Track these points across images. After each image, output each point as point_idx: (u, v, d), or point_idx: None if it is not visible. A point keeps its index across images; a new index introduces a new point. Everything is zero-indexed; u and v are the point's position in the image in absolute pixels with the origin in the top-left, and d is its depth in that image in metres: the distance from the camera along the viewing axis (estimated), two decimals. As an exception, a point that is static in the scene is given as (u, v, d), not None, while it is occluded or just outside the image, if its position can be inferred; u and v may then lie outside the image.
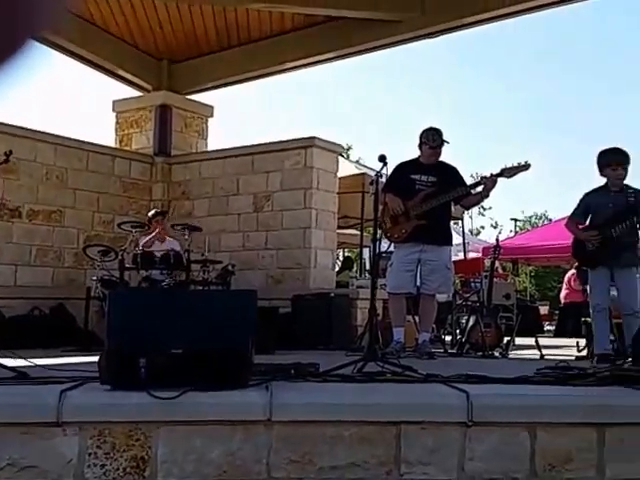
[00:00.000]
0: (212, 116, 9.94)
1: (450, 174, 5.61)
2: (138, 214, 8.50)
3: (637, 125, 48.12)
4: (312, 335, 6.61)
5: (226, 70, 9.24)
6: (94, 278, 6.73)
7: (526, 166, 5.35)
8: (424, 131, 5.63)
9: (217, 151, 9.16)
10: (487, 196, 5.60)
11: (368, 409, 2.78)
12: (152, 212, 7.44)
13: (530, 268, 21.74)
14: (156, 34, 8.83)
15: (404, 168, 5.67)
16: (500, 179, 5.40)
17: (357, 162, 13.77)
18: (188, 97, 9.64)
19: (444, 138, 5.60)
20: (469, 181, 6.00)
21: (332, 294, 7.38)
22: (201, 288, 6.65)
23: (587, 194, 5.19)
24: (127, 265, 6.60)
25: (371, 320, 4.20)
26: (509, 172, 5.36)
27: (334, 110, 51.25)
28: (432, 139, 5.57)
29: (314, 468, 2.68)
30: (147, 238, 7.06)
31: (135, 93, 9.65)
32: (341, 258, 13.79)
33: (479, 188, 5.55)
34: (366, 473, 2.69)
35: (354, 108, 52.91)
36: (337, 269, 9.92)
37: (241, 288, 6.60)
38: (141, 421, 2.67)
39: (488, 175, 5.47)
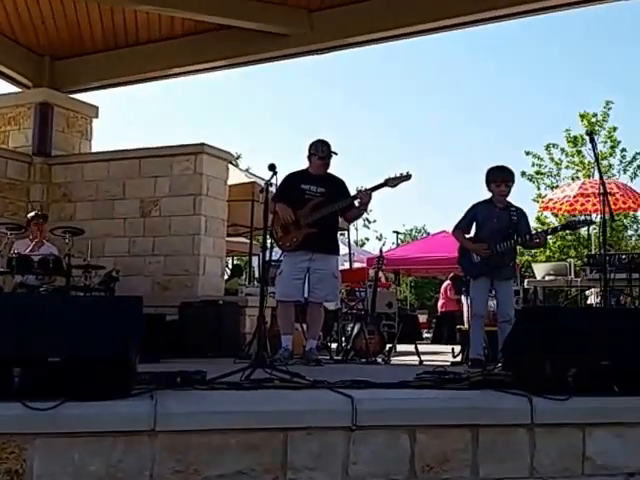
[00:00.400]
0: (97, 117, 9.63)
1: (337, 186, 5.75)
2: (15, 216, 8.12)
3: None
4: (200, 343, 6.54)
5: (112, 71, 9.03)
6: (-35, 282, 6.35)
7: (408, 176, 5.57)
8: (313, 143, 5.75)
9: (102, 153, 8.88)
10: (365, 210, 5.80)
11: (255, 416, 2.79)
12: (32, 214, 7.12)
13: (410, 278, 22.60)
14: (38, 29, 8.48)
15: (294, 178, 5.76)
16: (387, 189, 5.60)
17: (247, 171, 13.77)
18: (71, 96, 9.29)
19: (332, 150, 5.73)
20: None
21: (220, 301, 7.32)
22: (83, 294, 6.42)
23: (474, 205, 5.48)
24: (1, 269, 6.27)
25: (259, 327, 4.22)
26: (392, 182, 5.56)
27: (224, 118, 50.91)
28: (321, 150, 5.69)
29: (199, 477, 2.65)
30: (24, 242, 6.74)
31: (14, 89, 9.21)
32: (230, 266, 13.72)
33: (357, 201, 5.72)
34: (252, 481, 2.70)
35: (244, 117, 52.84)
36: (226, 277, 9.87)
37: (126, 294, 6.42)
38: (15, 433, 2.55)
39: (369, 187, 5.65)
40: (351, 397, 2.89)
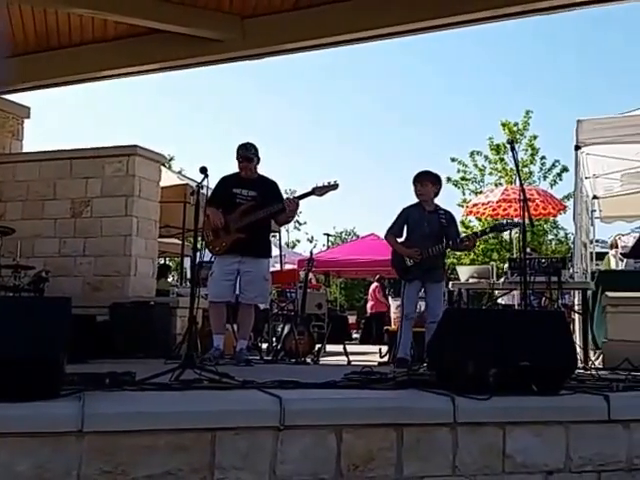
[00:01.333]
0: (29, 117, 9.48)
1: (269, 189, 5.82)
2: None
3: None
4: (131, 344, 6.50)
5: (44, 72, 8.93)
6: None
7: (335, 185, 5.71)
8: (238, 146, 5.82)
9: (33, 153, 8.72)
10: (292, 216, 5.91)
11: (184, 417, 2.83)
12: None
13: (340, 280, 22.88)
14: (-32, 28, 8.26)
15: (226, 182, 5.83)
16: (313, 196, 5.72)
17: (179, 173, 13.70)
18: (2, 97, 9.11)
19: (255, 154, 5.80)
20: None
21: (152, 302, 7.30)
22: (12, 295, 6.30)
23: (405, 209, 5.66)
24: None
25: (190, 328, 4.25)
26: (320, 191, 5.69)
27: (157, 120, 50.17)
28: (241, 154, 5.77)
29: (127, 478, 2.68)
30: None
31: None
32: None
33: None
34: (180, 481, 2.74)
35: (177, 120, 52.22)
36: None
37: (56, 295, 6.34)
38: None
39: (297, 194, 5.81)
40: (279, 397, 2.95)
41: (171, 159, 22.69)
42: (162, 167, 8.76)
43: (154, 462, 2.72)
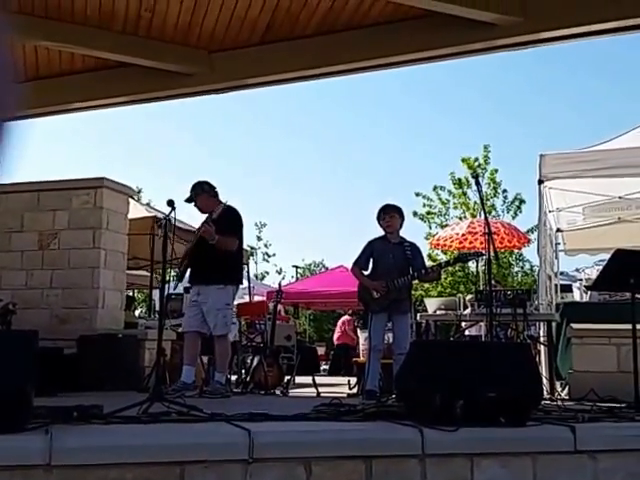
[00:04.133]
0: (-6, 148, 9.38)
1: (221, 224, 5.80)
2: None
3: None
4: (99, 376, 6.44)
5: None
6: None
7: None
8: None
9: (1, 185, 8.62)
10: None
11: (152, 450, 2.82)
12: None
13: (309, 312, 22.89)
14: None
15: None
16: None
17: (148, 205, 13.69)
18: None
19: (196, 192, 5.92)
20: None
21: (120, 335, 7.25)
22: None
23: (370, 242, 5.73)
24: None
25: (158, 360, 4.24)
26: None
27: (128, 152, 50.02)
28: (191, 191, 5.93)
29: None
30: None
31: None
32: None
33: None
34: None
35: (149, 152, 52.11)
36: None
37: (23, 328, 6.25)
38: None
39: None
40: (248, 430, 2.96)
41: (139, 191, 22.64)
42: (130, 199, 8.76)
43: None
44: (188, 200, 5.81)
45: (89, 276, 7.81)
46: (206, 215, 5.88)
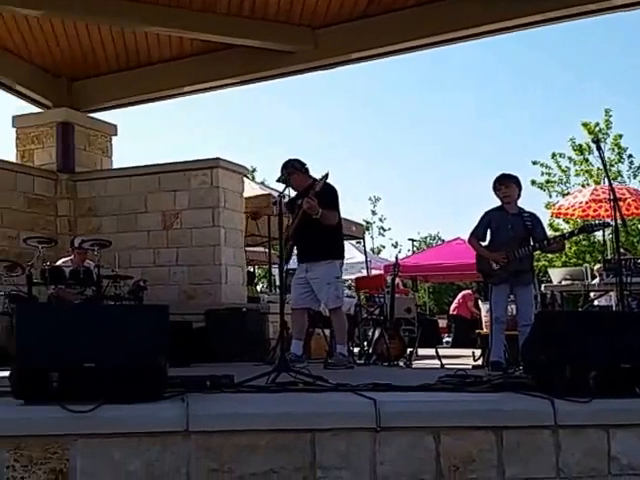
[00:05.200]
0: (116, 134, 9.93)
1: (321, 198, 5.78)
2: (44, 230, 8.42)
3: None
4: (226, 348, 6.71)
5: (127, 90, 9.31)
6: (1, 293, 6.61)
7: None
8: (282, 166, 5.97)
9: (123, 169, 9.14)
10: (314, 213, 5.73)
11: (282, 418, 2.89)
12: (79, 240, 7.29)
13: (428, 284, 22.63)
14: (53, 51, 8.73)
15: (295, 197, 6.02)
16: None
17: (262, 183, 13.95)
18: (91, 115, 9.58)
19: (289, 171, 5.84)
20: None
21: (244, 309, 7.54)
22: (113, 303, 6.60)
23: (487, 213, 5.56)
24: (35, 280, 6.48)
25: (282, 333, 4.34)
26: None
27: (240, 132, 51.10)
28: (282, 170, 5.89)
29: (233, 476, 2.76)
30: (65, 263, 7.00)
31: (35, 109, 9.47)
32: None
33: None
34: (284, 479, 2.79)
35: (261, 131, 52.98)
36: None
37: (154, 303, 6.62)
38: (56, 434, 2.67)
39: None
40: (374, 399, 2.97)
41: (254, 170, 23.13)
42: (245, 178, 9.04)
43: (257, 461, 2.79)
44: (281, 180, 5.83)
45: (211, 253, 8.16)
46: (294, 193, 5.94)
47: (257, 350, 6.80)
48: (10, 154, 9.29)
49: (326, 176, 5.47)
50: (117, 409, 2.76)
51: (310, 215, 5.59)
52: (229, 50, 8.55)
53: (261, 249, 11.81)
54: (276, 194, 6.54)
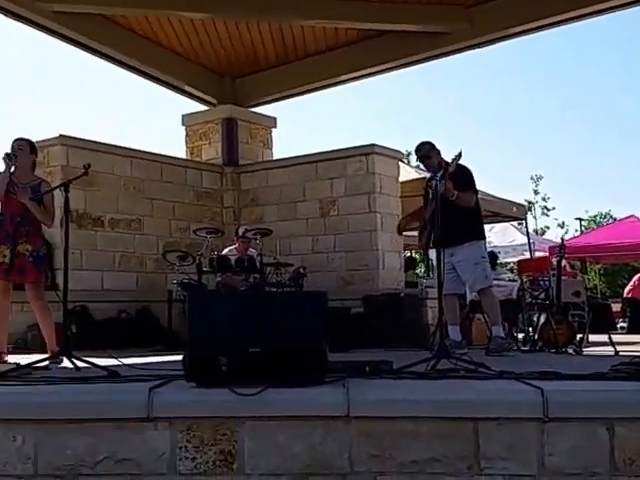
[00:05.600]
0: (275, 127, 10.32)
1: (455, 180, 5.53)
2: (212, 221, 8.95)
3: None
4: (384, 334, 6.73)
5: (285, 84, 9.65)
6: (174, 282, 7.10)
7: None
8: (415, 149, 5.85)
9: (282, 160, 9.46)
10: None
11: (444, 405, 2.83)
12: (242, 229, 7.67)
13: (599, 266, 21.25)
14: (218, 52, 9.22)
15: (427, 181, 5.90)
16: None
17: (417, 167, 13.80)
18: (252, 110, 10.02)
19: (423, 152, 5.70)
20: None
21: (402, 294, 7.53)
22: (275, 290, 6.85)
23: None
24: (204, 269, 6.90)
25: (440, 319, 4.25)
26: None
27: (393, 117, 50.83)
28: (416, 154, 5.78)
29: (394, 462, 2.76)
30: (230, 251, 7.40)
31: (202, 107, 10.06)
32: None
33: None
34: (446, 468, 2.75)
35: (413, 116, 52.32)
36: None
37: (313, 289, 6.80)
38: (226, 416, 2.80)
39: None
40: (541, 388, 2.83)
41: (409, 154, 22.92)
42: (400, 162, 9.00)
43: (418, 448, 2.76)
44: (420, 159, 5.69)
45: (368, 239, 8.24)
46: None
47: (415, 336, 6.75)
48: (180, 151, 9.97)
49: (459, 156, 5.23)
50: (281, 392, 2.84)
51: (446, 198, 5.40)
52: (384, 36, 8.61)
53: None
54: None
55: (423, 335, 6.87)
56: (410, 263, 12.17)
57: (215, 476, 2.78)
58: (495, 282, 6.57)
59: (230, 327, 3.04)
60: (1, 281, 4.78)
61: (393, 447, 2.76)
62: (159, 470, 2.78)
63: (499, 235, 14.21)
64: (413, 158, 27.60)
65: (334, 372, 3.20)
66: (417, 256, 15.54)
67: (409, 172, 9.95)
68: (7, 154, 4.75)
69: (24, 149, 4.89)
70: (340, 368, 3.33)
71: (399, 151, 9.05)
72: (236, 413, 2.80)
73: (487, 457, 2.76)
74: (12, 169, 4.80)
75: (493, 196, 11.15)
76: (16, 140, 4.90)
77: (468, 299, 6.86)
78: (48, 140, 7.47)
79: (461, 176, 5.51)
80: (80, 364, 3.91)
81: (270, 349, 2.97)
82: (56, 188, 4.70)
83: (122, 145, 8.41)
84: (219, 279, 7.12)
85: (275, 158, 9.98)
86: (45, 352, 4.67)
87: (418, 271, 11.81)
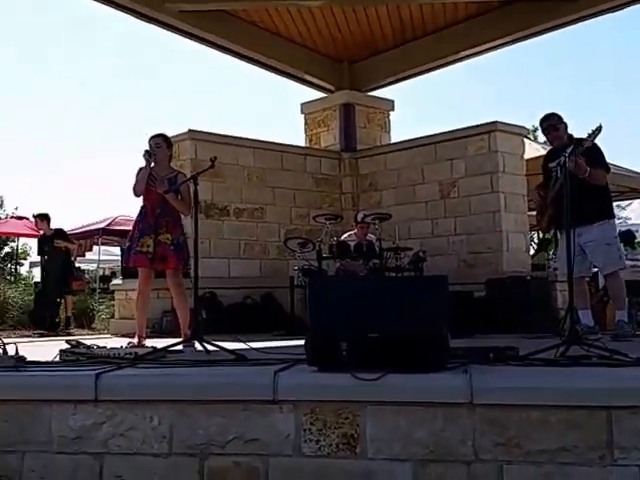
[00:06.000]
0: (393, 110, 10.26)
1: (587, 156, 5.16)
2: (331, 207, 9.07)
3: None
4: (509, 318, 6.52)
5: (403, 65, 9.52)
6: (295, 268, 7.26)
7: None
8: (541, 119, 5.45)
9: (400, 143, 9.37)
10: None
11: (574, 393, 2.71)
12: (361, 215, 7.72)
13: None
14: (335, 38, 9.25)
15: (546, 158, 5.55)
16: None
17: (544, 143, 13.20)
18: (369, 94, 9.98)
19: (551, 122, 5.32)
20: None
21: (528, 277, 7.27)
22: (395, 275, 6.83)
23: None
24: (324, 255, 7.00)
25: (571, 303, 4.05)
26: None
27: (513, 93, 48.87)
28: (542, 126, 5.42)
29: (521, 451, 2.68)
30: (350, 237, 7.47)
31: (319, 95, 10.17)
32: (536, 240, 13.37)
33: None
34: (577, 458, 2.64)
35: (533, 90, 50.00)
36: (532, 252, 9.70)
37: (433, 273, 6.73)
38: (348, 401, 2.83)
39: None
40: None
41: (535, 130, 21.96)
42: (525, 139, 8.68)
43: (547, 437, 2.67)
44: (546, 131, 5.38)
45: (491, 220, 8.02)
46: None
47: (543, 321, 6.47)
48: (299, 139, 10.15)
49: (598, 130, 4.90)
50: (402, 378, 2.83)
51: (576, 175, 5.08)
52: (505, 8, 8.30)
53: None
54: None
55: (552, 320, 6.59)
56: (543, 245, 11.71)
57: (339, 459, 2.82)
58: (630, 262, 6.21)
59: (350, 312, 3.06)
60: (145, 270, 5.10)
61: (520, 436, 2.68)
62: (285, 451, 2.86)
63: (638, 213, 13.42)
64: (540, 133, 26.51)
65: (456, 358, 3.14)
66: (548, 236, 14.93)
67: (535, 149, 9.57)
68: (147, 151, 5.11)
69: (161, 145, 5.22)
70: (462, 354, 3.27)
71: (524, 127, 8.73)
72: (357, 398, 2.82)
73: (621, 447, 2.62)
74: (152, 164, 5.12)
75: (631, 171, 10.52)
76: (152, 137, 5.23)
77: (600, 282, 6.52)
78: (178, 135, 7.86)
79: (594, 152, 5.22)
80: (210, 348, 4.09)
81: (390, 334, 2.96)
82: (187, 180, 4.92)
83: (244, 136, 8.67)
84: (339, 265, 7.19)
85: (393, 142, 9.91)
86: (178, 336, 4.91)
87: (547, 253, 11.36)
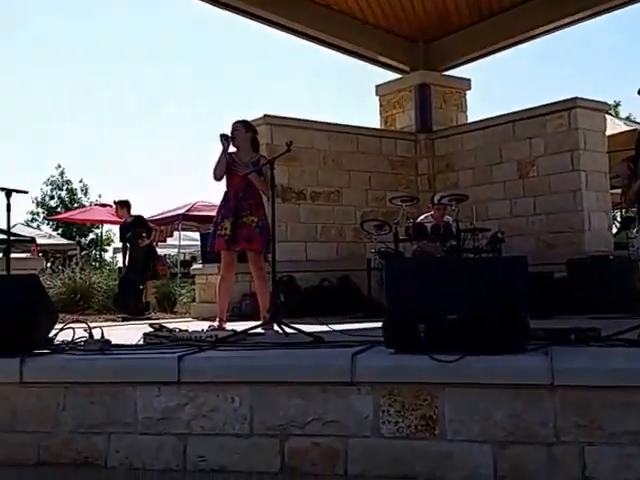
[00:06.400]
0: (470, 89, 10.06)
1: None
2: (407, 189, 9.01)
3: None
4: (591, 299, 6.34)
5: (479, 43, 9.33)
6: (372, 250, 7.27)
7: None
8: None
9: (477, 122, 9.21)
10: None
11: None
12: (438, 196, 7.65)
13: None
14: (409, 18, 9.14)
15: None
16: None
17: (627, 119, 12.68)
18: (445, 73, 9.83)
19: None
20: None
21: (611, 256, 7.06)
22: (472, 256, 6.76)
23: None
24: (400, 237, 6.98)
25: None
26: None
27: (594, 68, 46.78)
28: None
29: (604, 433, 2.63)
30: (427, 218, 7.44)
31: (394, 76, 10.07)
32: (619, 219, 12.90)
33: None
34: (663, 440, 2.58)
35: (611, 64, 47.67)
36: (615, 230, 9.37)
37: (511, 254, 6.62)
38: (426, 382, 2.85)
39: None
40: None
41: (617, 105, 21.11)
42: (607, 115, 8.42)
43: (631, 419, 2.61)
44: None
45: (571, 199, 7.82)
46: None
47: (626, 301, 6.27)
48: (374, 121, 10.11)
49: None
50: (480, 360, 2.82)
51: None
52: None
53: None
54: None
55: (635, 300, 6.38)
56: (626, 223, 11.27)
57: (418, 440, 2.84)
58: None
59: (427, 294, 3.06)
60: (227, 254, 5.23)
61: (603, 418, 2.63)
62: (363, 432, 2.89)
63: None
64: (622, 109, 25.39)
65: (536, 340, 3.10)
66: (632, 215, 14.35)
67: (617, 125, 9.27)
68: (222, 135, 5.20)
69: (239, 129, 5.32)
70: (542, 336, 3.22)
71: (605, 102, 8.46)
72: (435, 379, 2.83)
73: None
74: (231, 149, 5.23)
75: None
76: (233, 124, 5.33)
77: None
78: (254, 120, 7.93)
79: None
80: (288, 330, 4.18)
81: (468, 316, 2.94)
82: (266, 164, 4.97)
83: (318, 120, 8.72)
84: (416, 247, 7.16)
85: (469, 121, 9.74)
86: (257, 319, 5.03)
87: (630, 232, 10.94)
